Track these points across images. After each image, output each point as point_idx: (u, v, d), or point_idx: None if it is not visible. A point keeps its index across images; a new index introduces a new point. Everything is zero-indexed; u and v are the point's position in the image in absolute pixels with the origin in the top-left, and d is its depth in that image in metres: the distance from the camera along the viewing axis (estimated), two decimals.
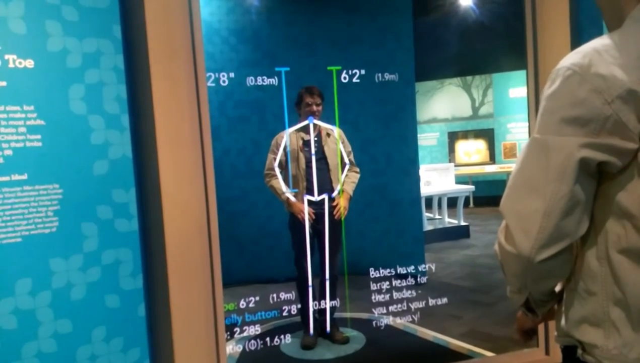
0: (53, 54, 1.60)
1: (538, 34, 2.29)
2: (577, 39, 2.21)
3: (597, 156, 0.80)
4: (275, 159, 3.14)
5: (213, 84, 4.48)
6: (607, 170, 0.83)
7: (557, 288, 0.99)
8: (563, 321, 0.94)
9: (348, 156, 3.22)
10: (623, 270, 0.84)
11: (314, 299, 3.21)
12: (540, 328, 2.41)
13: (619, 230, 0.84)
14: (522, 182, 0.86)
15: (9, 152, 1.54)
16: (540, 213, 0.82)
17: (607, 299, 0.86)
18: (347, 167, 3.20)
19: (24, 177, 1.56)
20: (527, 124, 2.63)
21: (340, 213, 3.12)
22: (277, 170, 3.13)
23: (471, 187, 7.54)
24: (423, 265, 4.73)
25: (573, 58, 0.84)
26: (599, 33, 0.90)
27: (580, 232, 0.84)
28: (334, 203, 3.13)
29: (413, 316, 3.64)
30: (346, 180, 3.19)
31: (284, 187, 3.10)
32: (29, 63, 1.56)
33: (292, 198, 3.09)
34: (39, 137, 1.58)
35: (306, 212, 3.06)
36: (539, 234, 0.82)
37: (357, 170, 3.27)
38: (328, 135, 3.21)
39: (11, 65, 1.53)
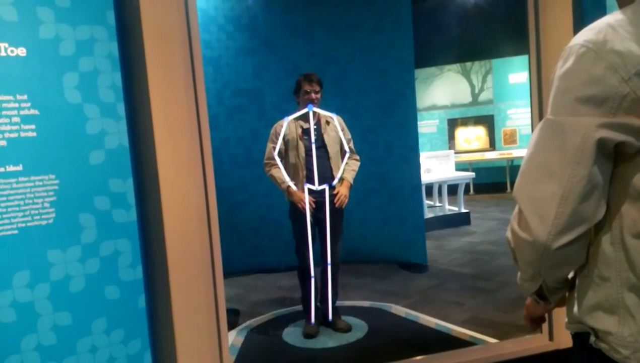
0: (45, 41, 1.56)
1: (540, 17, 2.25)
2: (580, 22, 2.17)
3: (615, 136, 0.77)
4: (274, 148, 3.10)
5: (210, 72, 4.45)
6: (625, 151, 0.80)
7: (570, 275, 0.96)
8: (575, 308, 0.92)
9: (348, 144, 3.19)
10: (638, 255, 0.81)
11: (315, 288, 3.19)
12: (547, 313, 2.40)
13: (634, 214, 0.81)
14: (537, 166, 0.83)
15: (3, 143, 1.51)
16: (557, 198, 0.79)
17: (621, 285, 0.83)
18: (347, 155, 3.17)
19: (19, 168, 1.53)
20: (527, 109, 2.59)
21: (341, 201, 3.09)
22: (277, 159, 3.09)
23: (471, 174, 7.52)
24: (424, 253, 4.73)
25: (587, 34, 0.81)
26: (603, 15, 0.86)
27: (598, 216, 0.81)
28: (335, 192, 3.10)
29: (415, 303, 3.63)
30: (346, 168, 3.15)
31: (284, 176, 3.07)
32: (21, 51, 1.53)
33: (293, 187, 3.06)
34: (33, 127, 1.55)
35: (307, 201, 3.03)
36: (556, 220, 0.79)
37: (357, 158, 3.24)
38: (327, 123, 3.17)
39: (2, 53, 1.50)
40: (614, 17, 0.82)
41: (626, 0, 0.87)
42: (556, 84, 0.83)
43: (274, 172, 3.10)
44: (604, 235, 0.85)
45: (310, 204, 3.04)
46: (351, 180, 3.16)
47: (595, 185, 0.79)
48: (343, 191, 3.10)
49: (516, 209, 0.87)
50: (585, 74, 0.79)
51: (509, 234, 0.89)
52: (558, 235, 0.80)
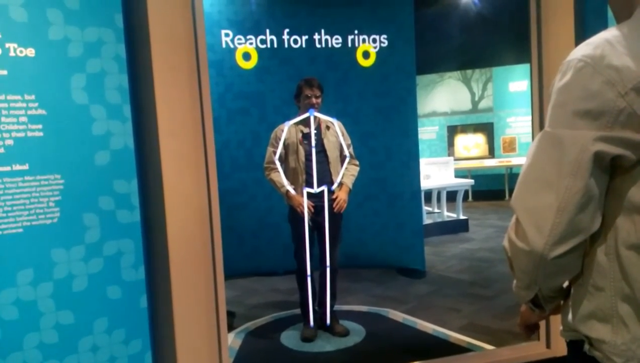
0: (54, 42, 1.58)
1: (542, 27, 2.28)
2: (582, 33, 2.20)
3: (612, 150, 0.79)
4: (275, 153, 3.12)
5: (213, 75, 4.46)
6: (621, 164, 0.82)
7: (565, 284, 0.98)
8: (570, 316, 0.93)
9: (348, 149, 3.21)
10: (632, 266, 0.83)
11: (313, 292, 3.20)
12: (541, 321, 2.41)
13: (629, 226, 0.83)
14: (535, 177, 0.84)
15: (10, 142, 1.53)
16: (554, 208, 0.81)
17: (615, 295, 0.85)
18: (346, 159, 3.18)
19: (25, 167, 1.55)
20: (527, 118, 2.62)
21: (340, 206, 3.11)
22: (278, 164, 3.11)
23: (470, 181, 7.54)
24: (422, 259, 4.74)
25: (584, 49, 0.83)
26: (604, 26, 0.88)
27: (594, 227, 0.83)
28: (334, 196, 3.11)
29: (413, 309, 3.64)
30: (345, 173, 3.17)
31: (283, 181, 3.08)
32: (30, 52, 1.55)
33: (292, 192, 3.07)
34: (40, 126, 1.57)
35: (305, 205, 3.05)
36: (552, 230, 0.81)
37: (357, 163, 3.26)
38: (328, 127, 3.19)
39: (12, 53, 1.52)
40: (611, 32, 0.84)
41: (623, 16, 0.89)
42: (554, 97, 0.85)
43: (273, 176, 3.11)
44: (599, 246, 0.87)
45: (309, 208, 3.05)
46: (350, 185, 3.17)
47: (591, 197, 0.81)
48: (342, 196, 3.12)
49: (514, 219, 0.88)
50: (582, 89, 0.80)
51: (506, 243, 0.91)
52: (554, 246, 0.81)
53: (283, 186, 3.07)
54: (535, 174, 0.85)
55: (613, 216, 0.85)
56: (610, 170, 0.83)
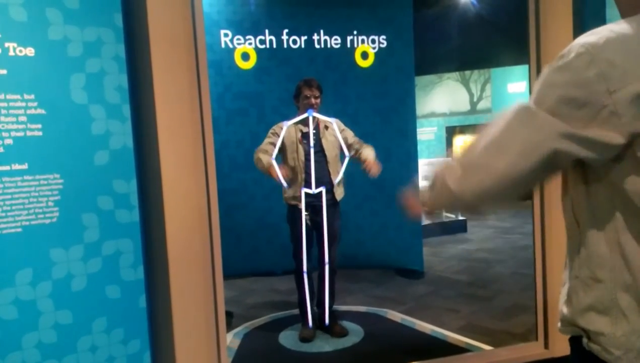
0: (54, 42, 1.58)
1: (541, 28, 2.29)
2: (581, 34, 2.20)
3: (575, 151, 0.80)
4: (272, 144, 3.05)
5: (212, 75, 4.46)
6: (593, 164, 0.83)
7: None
8: (566, 310, 0.93)
9: (353, 138, 3.19)
10: (634, 255, 0.83)
11: (312, 292, 3.20)
12: (540, 321, 2.42)
13: (629, 215, 0.83)
14: (494, 139, 0.87)
15: (9, 141, 1.52)
16: (493, 173, 0.86)
17: (615, 286, 0.85)
18: (356, 147, 3.16)
19: (25, 166, 1.55)
20: None
21: (375, 170, 3.04)
22: (274, 154, 3.03)
23: None
24: (421, 259, 4.75)
25: (589, 37, 0.82)
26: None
27: (515, 202, 0.93)
28: (365, 163, 3.06)
29: (411, 309, 3.65)
30: (364, 151, 3.13)
31: (273, 161, 3.00)
32: (30, 51, 1.55)
33: (275, 165, 3.00)
34: (39, 126, 1.57)
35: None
36: (483, 190, 0.88)
37: (369, 145, 3.22)
38: (326, 127, 3.19)
39: (11, 53, 1.52)
40: (619, 25, 0.83)
41: (630, 11, 0.87)
42: (548, 74, 0.84)
43: (261, 156, 3.03)
44: (598, 238, 0.87)
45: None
46: (372, 158, 3.10)
47: (528, 181, 0.87)
48: (371, 160, 3.07)
49: (457, 160, 0.94)
50: (576, 74, 0.80)
51: (438, 172, 0.97)
52: (478, 201, 0.91)
53: (268, 161, 2.99)
54: (498, 138, 0.87)
55: (611, 206, 0.85)
56: (571, 167, 0.88)
